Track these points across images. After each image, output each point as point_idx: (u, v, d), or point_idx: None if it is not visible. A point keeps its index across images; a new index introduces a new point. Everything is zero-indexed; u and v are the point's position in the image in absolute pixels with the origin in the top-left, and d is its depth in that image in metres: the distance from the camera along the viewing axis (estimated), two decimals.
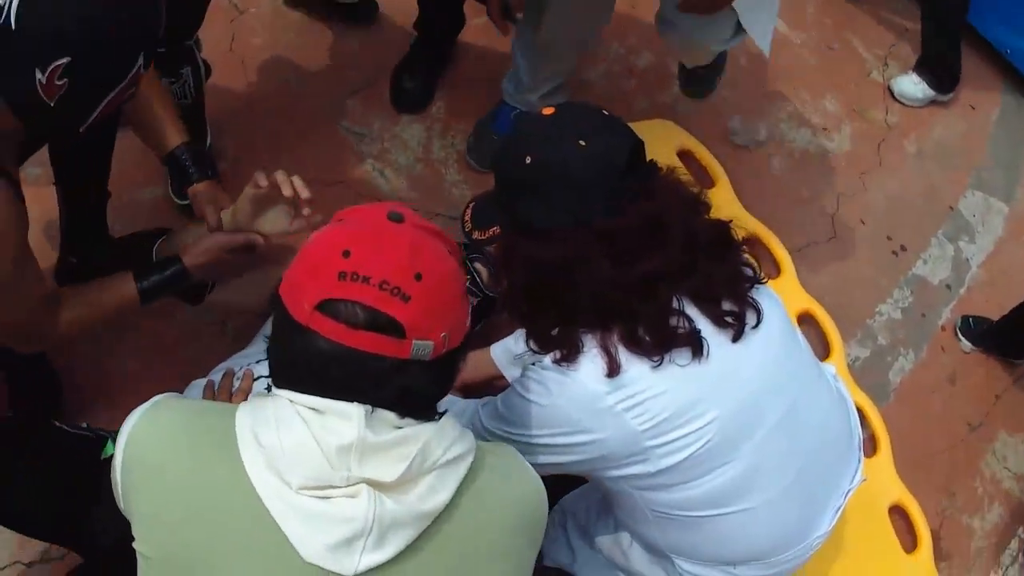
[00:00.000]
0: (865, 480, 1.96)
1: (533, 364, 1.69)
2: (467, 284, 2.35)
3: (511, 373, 2.25)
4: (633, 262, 1.57)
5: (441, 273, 1.27)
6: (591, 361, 1.60)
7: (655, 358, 1.58)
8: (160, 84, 2.11)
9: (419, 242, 1.27)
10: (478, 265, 2.43)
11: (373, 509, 1.19)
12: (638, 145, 1.65)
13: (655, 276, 1.58)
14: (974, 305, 3.14)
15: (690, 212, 1.66)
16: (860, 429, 1.96)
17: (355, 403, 1.21)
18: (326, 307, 1.22)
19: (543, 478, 1.43)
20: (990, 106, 3.67)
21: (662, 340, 1.59)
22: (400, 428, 1.24)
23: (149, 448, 1.27)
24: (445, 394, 1.34)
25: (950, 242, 3.27)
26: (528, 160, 1.60)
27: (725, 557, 1.80)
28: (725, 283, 1.66)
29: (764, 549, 1.80)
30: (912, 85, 3.51)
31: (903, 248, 3.20)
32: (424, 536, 1.24)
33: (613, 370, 1.58)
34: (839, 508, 1.87)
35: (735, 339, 1.64)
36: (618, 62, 3.31)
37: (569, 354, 1.62)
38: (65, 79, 1.56)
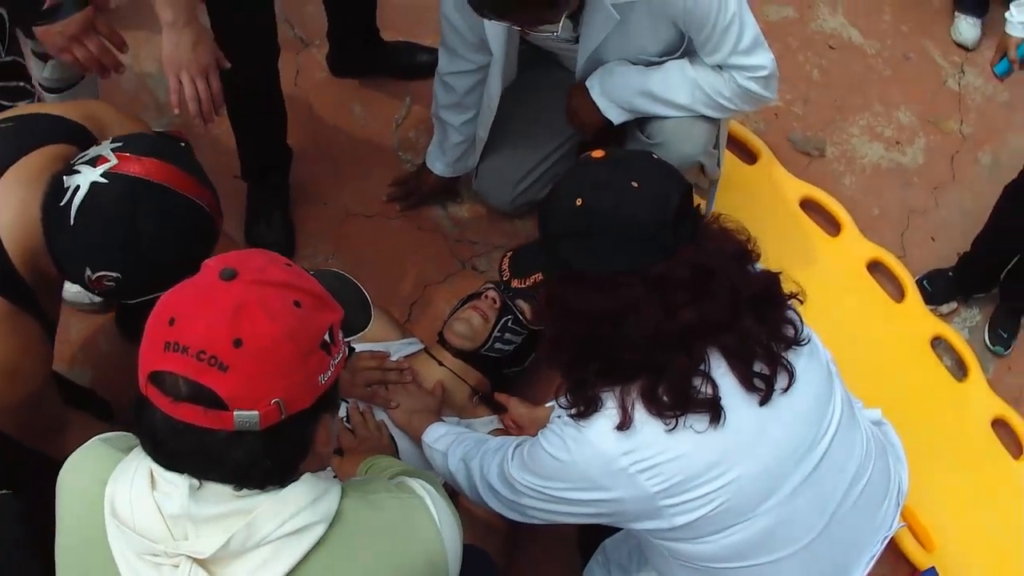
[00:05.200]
0: (904, 526, 1.94)
1: (557, 417, 1.71)
2: (510, 322, 2.38)
3: None
4: (676, 313, 1.55)
5: (268, 336, 1.18)
6: (606, 417, 1.61)
7: (669, 420, 1.58)
8: None
9: (247, 303, 1.18)
10: (520, 302, 2.42)
11: None
12: (689, 189, 1.64)
13: (695, 328, 1.56)
14: None
15: (736, 263, 1.64)
16: (904, 474, 1.95)
17: (184, 475, 1.21)
18: (155, 379, 1.19)
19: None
20: None
21: (680, 402, 1.58)
22: (240, 499, 1.23)
23: (62, 487, 1.35)
24: (296, 462, 1.29)
25: None
26: (579, 203, 1.59)
27: None
28: (761, 343, 1.63)
29: None
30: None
31: None
32: None
33: (624, 423, 1.58)
34: (874, 555, 1.87)
35: (762, 403, 1.63)
36: None
37: (587, 410, 1.63)
38: (112, 284, 1.59)
